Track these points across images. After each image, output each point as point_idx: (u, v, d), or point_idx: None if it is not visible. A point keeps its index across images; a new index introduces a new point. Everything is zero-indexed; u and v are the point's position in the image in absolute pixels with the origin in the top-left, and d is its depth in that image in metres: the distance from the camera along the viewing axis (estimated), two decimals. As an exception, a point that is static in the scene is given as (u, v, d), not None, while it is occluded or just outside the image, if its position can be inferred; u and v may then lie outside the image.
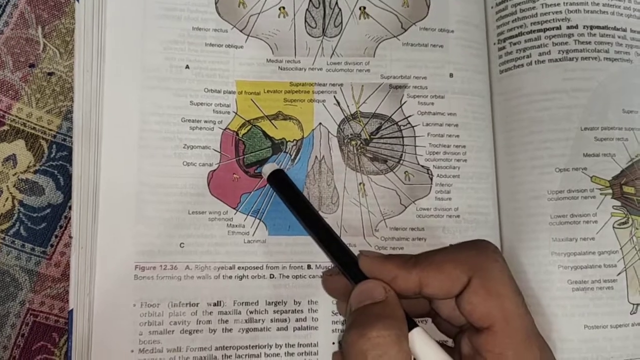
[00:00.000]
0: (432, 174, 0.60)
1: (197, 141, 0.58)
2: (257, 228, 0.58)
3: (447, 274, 0.47)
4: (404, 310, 0.47)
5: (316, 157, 0.60)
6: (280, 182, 0.56)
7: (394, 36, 0.62)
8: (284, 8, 0.61)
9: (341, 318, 0.58)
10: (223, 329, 0.56)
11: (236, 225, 0.58)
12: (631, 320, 0.58)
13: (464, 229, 0.60)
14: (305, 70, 0.61)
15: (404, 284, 0.48)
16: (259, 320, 0.57)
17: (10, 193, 0.58)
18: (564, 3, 0.62)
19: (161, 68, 0.59)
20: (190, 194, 0.58)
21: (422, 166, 0.60)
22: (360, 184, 0.59)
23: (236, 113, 0.59)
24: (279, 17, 0.61)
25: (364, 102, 0.61)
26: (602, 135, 0.60)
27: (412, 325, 0.47)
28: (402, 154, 0.60)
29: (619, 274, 0.58)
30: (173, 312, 0.56)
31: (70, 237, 0.56)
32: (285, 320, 0.57)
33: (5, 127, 0.59)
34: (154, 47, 0.59)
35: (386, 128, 0.61)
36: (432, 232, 0.59)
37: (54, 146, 0.59)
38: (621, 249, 0.59)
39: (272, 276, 0.58)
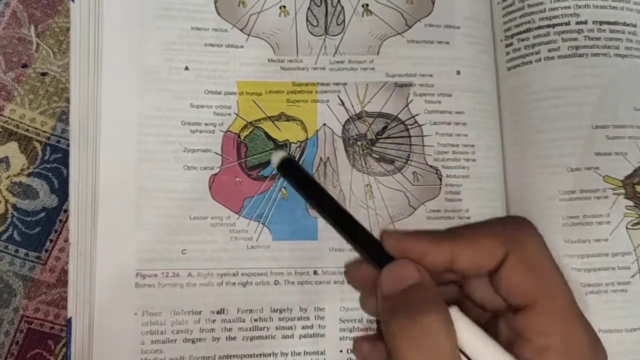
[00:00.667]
0: (441, 175, 0.60)
1: (197, 144, 0.57)
2: (260, 233, 0.57)
3: (482, 246, 0.45)
4: None
5: (321, 158, 0.59)
6: (292, 170, 0.55)
7: (399, 33, 0.61)
8: (284, 7, 0.60)
9: (349, 325, 0.57)
10: (227, 337, 0.56)
11: (239, 231, 0.57)
12: (646, 323, 0.58)
13: (474, 231, 0.59)
14: (307, 69, 0.60)
15: (435, 259, 0.46)
16: (264, 327, 0.56)
17: (4, 197, 0.58)
18: (572, -2, 0.61)
19: (160, 69, 0.58)
20: (192, 198, 0.57)
21: (431, 166, 0.59)
22: (367, 185, 0.59)
23: (237, 115, 0.58)
24: (279, 15, 0.60)
25: (369, 102, 0.60)
26: (614, 133, 0.59)
27: None
28: (409, 154, 0.59)
29: (633, 276, 0.58)
30: (175, 321, 0.55)
31: (66, 241, 0.55)
32: (291, 327, 0.56)
33: (-2, 130, 0.58)
34: (152, 48, 0.58)
35: (392, 127, 0.60)
36: (443, 235, 0.58)
37: (48, 148, 0.59)
38: (635, 250, 0.58)
39: (276, 282, 0.57)
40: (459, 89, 0.61)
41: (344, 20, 0.61)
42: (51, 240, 0.58)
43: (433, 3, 0.62)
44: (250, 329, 0.56)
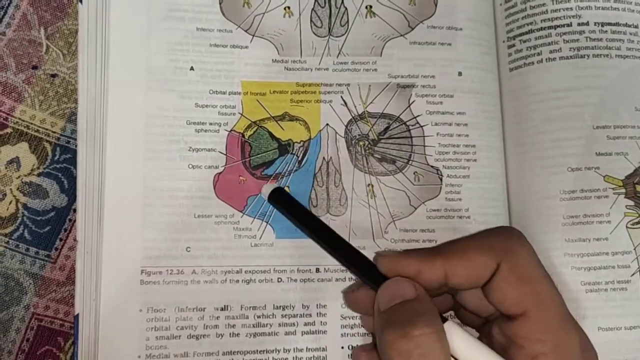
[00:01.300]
0: (441, 175, 0.60)
1: (202, 144, 0.58)
2: (264, 231, 0.57)
3: (474, 262, 0.47)
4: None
5: (324, 158, 0.59)
6: (283, 200, 0.56)
7: (401, 35, 0.61)
8: (289, 8, 0.61)
9: (351, 322, 0.57)
10: (230, 333, 0.56)
11: (243, 229, 0.57)
12: (645, 322, 0.58)
13: (475, 230, 0.59)
14: (311, 70, 0.60)
15: (429, 277, 0.47)
16: (267, 324, 0.56)
17: (14, 196, 0.58)
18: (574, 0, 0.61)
19: (166, 70, 0.58)
20: (196, 197, 0.57)
21: (432, 166, 0.60)
22: (368, 185, 0.59)
23: (242, 114, 0.59)
24: (284, 16, 0.61)
25: (371, 102, 0.60)
26: (615, 133, 0.59)
27: (442, 320, 0.46)
28: (411, 154, 0.60)
29: (633, 274, 0.58)
30: (180, 317, 0.55)
31: (75, 240, 0.56)
32: (294, 324, 0.57)
33: (9, 130, 0.59)
34: (158, 49, 0.58)
35: (394, 128, 0.60)
36: (443, 234, 0.58)
37: (58, 149, 0.59)
38: (635, 249, 0.58)
39: (279, 280, 0.57)
40: (460, 90, 0.61)
41: (347, 22, 0.61)
42: (61, 239, 0.58)
43: (436, 5, 0.62)
44: (253, 326, 0.56)
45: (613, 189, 0.58)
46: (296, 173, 0.58)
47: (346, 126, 0.60)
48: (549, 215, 0.59)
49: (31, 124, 0.59)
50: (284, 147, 0.59)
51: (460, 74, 0.61)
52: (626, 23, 0.61)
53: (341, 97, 0.60)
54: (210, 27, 0.59)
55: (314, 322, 0.57)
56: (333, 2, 0.61)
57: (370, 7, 0.62)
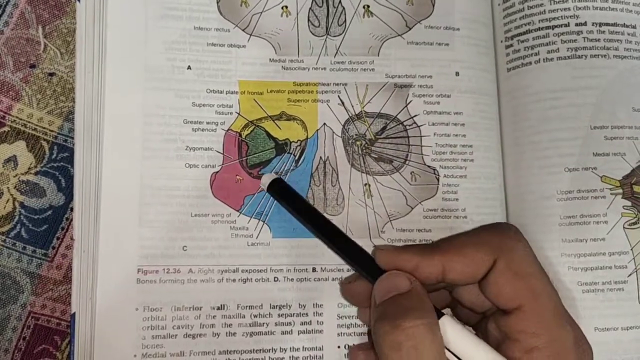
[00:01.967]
0: (438, 174, 0.60)
1: (199, 143, 0.58)
2: (260, 230, 0.57)
3: (471, 257, 0.47)
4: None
5: (321, 157, 0.59)
6: (282, 191, 0.56)
7: (399, 35, 0.62)
8: (286, 7, 0.61)
9: (347, 321, 0.57)
10: (227, 332, 0.56)
11: (239, 228, 0.57)
12: (642, 322, 0.58)
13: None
14: (308, 69, 0.60)
15: (426, 272, 0.48)
16: (263, 324, 0.56)
17: (11, 195, 0.58)
18: (572, 0, 0.61)
19: (163, 69, 0.58)
20: (193, 196, 0.57)
21: (429, 166, 0.60)
22: (365, 184, 0.59)
23: (239, 114, 0.59)
24: (281, 16, 0.61)
25: (368, 102, 0.60)
26: (612, 134, 0.59)
27: (438, 314, 0.46)
28: (407, 154, 0.60)
29: (630, 275, 0.58)
30: (176, 316, 0.56)
31: (72, 239, 0.56)
32: (290, 323, 0.57)
33: (6, 128, 0.59)
34: (155, 48, 0.58)
35: (391, 128, 0.60)
36: (440, 234, 0.58)
37: (55, 147, 0.59)
38: (632, 249, 0.58)
39: (276, 279, 0.57)
40: (457, 90, 0.61)
41: (345, 21, 0.61)
42: (58, 238, 0.58)
43: (433, 5, 0.62)
44: (249, 325, 0.56)
45: (610, 189, 0.58)
46: (293, 172, 0.58)
47: (343, 126, 0.60)
48: (546, 215, 0.59)
49: (28, 122, 0.59)
50: (281, 147, 0.59)
51: (457, 74, 0.61)
52: (624, 23, 0.61)
53: (338, 96, 0.60)
54: (207, 26, 0.59)
55: (311, 321, 0.57)
56: (330, 2, 0.61)
57: (368, 6, 0.62)
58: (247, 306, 0.56)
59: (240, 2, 0.60)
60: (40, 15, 0.60)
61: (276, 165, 0.59)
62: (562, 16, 0.61)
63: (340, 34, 0.61)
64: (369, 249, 0.55)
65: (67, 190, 0.59)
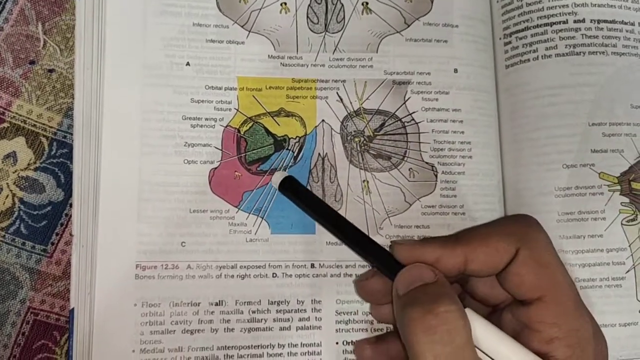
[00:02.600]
0: (436, 171, 0.60)
1: (198, 139, 0.58)
2: (259, 226, 0.57)
3: (494, 247, 0.47)
4: None
5: (319, 154, 0.59)
6: (294, 189, 0.56)
7: (397, 32, 0.62)
8: (285, 4, 0.61)
9: (345, 317, 0.57)
10: (225, 328, 0.56)
11: (238, 224, 0.57)
12: (640, 319, 0.58)
13: (469, 226, 0.59)
14: (307, 66, 0.60)
15: (448, 264, 0.48)
16: (262, 319, 0.56)
17: (11, 191, 0.58)
18: (570, -4, 0.62)
19: (162, 65, 0.58)
20: (192, 192, 0.57)
21: (427, 163, 0.60)
22: (364, 181, 0.59)
23: (238, 110, 0.59)
24: (280, 12, 0.61)
25: (367, 99, 0.60)
26: (610, 131, 0.59)
27: None
28: (406, 151, 0.60)
29: (628, 271, 0.58)
30: (174, 312, 0.56)
31: (71, 235, 0.56)
32: (288, 319, 0.57)
33: (5, 125, 0.59)
34: (154, 44, 0.58)
35: (390, 124, 0.60)
36: (438, 230, 0.59)
37: (55, 143, 0.59)
38: (630, 246, 0.58)
39: (274, 275, 0.57)
40: (456, 87, 0.61)
41: (343, 18, 0.61)
42: (57, 234, 0.58)
43: (432, 2, 0.62)
44: (248, 321, 0.56)
45: (608, 185, 0.58)
46: (291, 169, 0.59)
47: (342, 122, 0.60)
48: (544, 211, 0.59)
49: (28, 118, 0.59)
50: (279, 143, 0.59)
51: (456, 70, 0.61)
52: (622, 20, 0.61)
53: (337, 93, 0.60)
54: (206, 22, 0.59)
55: (309, 317, 0.57)
56: (329, -1, 0.62)
57: (367, 3, 0.62)
58: (245, 302, 0.56)
59: (239, -2, 0.61)
60: (39, 11, 0.60)
61: (275, 162, 0.59)
62: (560, 13, 0.61)
63: (339, 31, 0.61)
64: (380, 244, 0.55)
65: (67, 186, 0.59)
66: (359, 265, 0.58)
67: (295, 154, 0.59)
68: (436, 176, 0.60)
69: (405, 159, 0.60)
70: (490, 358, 0.45)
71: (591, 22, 0.61)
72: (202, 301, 0.56)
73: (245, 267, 0.57)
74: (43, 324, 0.58)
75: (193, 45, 0.59)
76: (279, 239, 0.58)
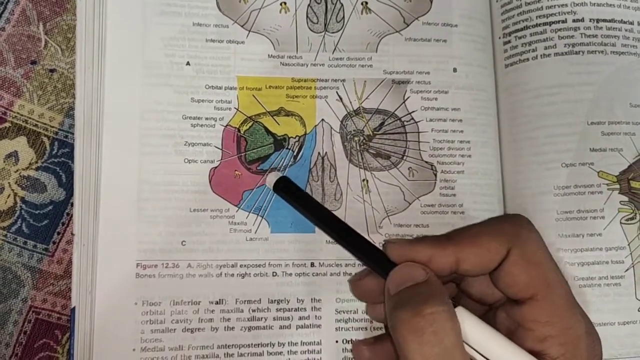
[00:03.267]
0: (436, 170, 0.60)
1: (198, 138, 0.58)
2: (259, 225, 0.58)
3: (485, 247, 0.47)
4: None
5: (319, 153, 0.59)
6: (288, 189, 0.56)
7: (397, 31, 0.62)
8: (285, 3, 0.61)
9: (345, 316, 0.57)
10: (225, 327, 0.56)
11: (238, 223, 0.57)
12: (639, 317, 0.58)
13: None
14: (307, 65, 0.60)
15: (440, 263, 0.48)
16: (262, 318, 0.57)
17: (12, 190, 0.58)
18: (569, -4, 0.62)
19: (162, 65, 0.58)
20: (192, 191, 0.57)
21: (426, 162, 0.60)
22: (363, 180, 0.59)
23: (237, 109, 0.59)
24: (280, 12, 0.61)
25: (366, 98, 0.60)
26: (609, 129, 0.59)
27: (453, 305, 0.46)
28: (405, 150, 0.60)
29: (627, 270, 0.58)
30: (175, 311, 0.56)
31: (73, 234, 0.56)
32: (288, 318, 0.57)
33: (7, 124, 0.59)
34: (154, 44, 0.59)
35: (389, 124, 0.60)
36: (437, 229, 0.59)
37: (56, 143, 0.59)
38: (629, 244, 0.58)
39: (274, 274, 0.57)
40: (455, 87, 0.61)
41: (343, 18, 0.61)
42: (58, 233, 0.59)
43: (431, 1, 0.62)
44: (248, 320, 0.56)
45: (607, 184, 0.58)
46: (291, 168, 0.59)
47: (341, 121, 0.60)
48: (543, 210, 0.59)
49: (29, 118, 0.59)
50: (279, 142, 0.59)
51: (455, 70, 0.61)
52: (621, 20, 0.61)
53: (336, 92, 0.60)
54: (206, 22, 0.60)
55: (309, 316, 0.57)
56: (329, -2, 0.62)
57: (366, 3, 0.62)
58: (245, 301, 0.57)
59: (239, -2, 0.61)
60: (41, 12, 0.61)
61: (274, 161, 0.59)
62: (559, 12, 0.61)
63: (339, 31, 0.61)
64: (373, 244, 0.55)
65: (68, 186, 0.59)
66: (358, 264, 0.58)
67: (295, 153, 0.59)
68: (435, 175, 0.60)
69: (405, 158, 0.60)
70: (483, 357, 0.46)
71: (590, 21, 0.61)
72: (203, 300, 0.56)
73: (245, 266, 0.57)
74: (45, 323, 0.58)
75: (193, 45, 0.59)
76: (278, 238, 0.58)
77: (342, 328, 0.57)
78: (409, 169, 0.60)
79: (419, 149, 0.60)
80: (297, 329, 0.57)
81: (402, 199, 0.59)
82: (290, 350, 0.57)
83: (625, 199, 0.59)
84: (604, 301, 0.58)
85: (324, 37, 0.61)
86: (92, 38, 0.58)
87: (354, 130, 0.60)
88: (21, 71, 0.60)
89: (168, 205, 0.57)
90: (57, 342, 0.58)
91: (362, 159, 0.59)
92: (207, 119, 0.58)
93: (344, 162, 0.59)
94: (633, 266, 0.58)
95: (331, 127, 0.60)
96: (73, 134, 0.59)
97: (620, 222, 0.58)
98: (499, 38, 0.63)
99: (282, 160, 0.59)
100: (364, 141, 0.60)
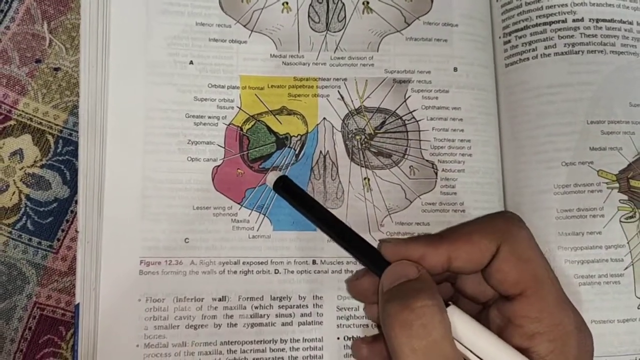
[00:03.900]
0: (437, 169, 0.60)
1: (201, 137, 0.58)
2: (261, 223, 0.58)
3: (476, 245, 0.48)
4: None
5: (320, 152, 0.60)
6: (287, 188, 0.56)
7: (398, 31, 0.62)
8: (287, 3, 0.61)
9: (347, 313, 0.58)
10: (228, 324, 0.56)
11: (241, 221, 0.58)
12: (638, 315, 0.58)
13: (469, 223, 0.59)
14: (309, 65, 0.61)
15: (432, 261, 0.48)
16: (264, 315, 0.57)
17: (17, 187, 0.59)
18: (569, -4, 0.62)
19: (165, 64, 0.59)
20: (195, 189, 0.58)
21: (427, 160, 0.60)
22: (365, 178, 0.59)
23: (240, 108, 0.59)
24: (282, 12, 0.61)
25: (368, 97, 0.61)
26: (609, 129, 0.59)
27: (445, 304, 0.46)
28: (406, 149, 0.60)
29: (626, 268, 0.58)
30: (178, 307, 0.56)
31: (77, 231, 0.56)
32: (290, 315, 0.57)
33: (12, 122, 0.59)
34: (157, 43, 0.59)
35: (390, 122, 0.61)
36: (438, 227, 0.59)
37: (61, 141, 0.60)
38: (628, 243, 0.58)
39: (277, 271, 0.58)
40: (456, 86, 0.61)
41: (344, 17, 0.62)
42: (63, 230, 0.59)
43: (432, 1, 0.63)
44: (250, 316, 0.57)
45: (607, 183, 0.59)
46: (293, 166, 0.59)
47: (343, 120, 0.60)
48: (543, 209, 0.59)
49: (34, 116, 0.59)
50: (281, 141, 0.59)
51: (455, 69, 0.62)
52: (621, 19, 0.61)
53: (338, 91, 0.61)
54: (209, 21, 0.60)
55: (311, 313, 0.57)
56: (331, -2, 0.62)
57: (367, 3, 0.62)
58: (248, 298, 0.57)
59: (241, -2, 0.61)
60: (45, 11, 0.61)
61: (277, 159, 0.59)
62: (559, 12, 0.61)
63: (340, 30, 0.62)
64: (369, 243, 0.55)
65: (72, 183, 0.59)
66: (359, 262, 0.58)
67: (297, 152, 0.59)
68: (436, 174, 0.60)
69: (406, 156, 0.60)
70: (474, 354, 0.46)
71: (590, 21, 0.61)
72: (206, 297, 0.56)
73: (248, 263, 0.57)
74: (49, 319, 0.58)
75: (196, 44, 0.59)
76: (280, 236, 0.58)
77: (343, 325, 0.58)
78: (410, 167, 0.60)
79: (420, 148, 0.60)
80: (299, 325, 0.57)
81: (403, 197, 0.60)
82: (293, 347, 0.57)
83: (625, 197, 0.59)
84: (603, 299, 0.58)
85: (325, 36, 0.61)
86: (96, 37, 0.58)
87: (355, 129, 0.60)
88: (26, 70, 0.60)
89: (171, 203, 0.57)
90: (61, 338, 0.58)
91: (364, 157, 0.60)
92: (210, 117, 0.59)
93: (345, 160, 0.59)
94: (632, 264, 0.58)
95: (333, 126, 0.60)
96: (77, 132, 0.59)
97: (620, 221, 0.58)
98: (499, 37, 0.63)
99: (284, 158, 0.59)
100: (365, 140, 0.60)
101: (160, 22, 0.59)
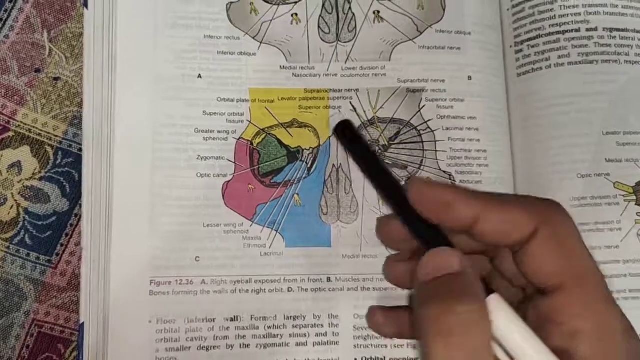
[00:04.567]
0: (454, 180, 0.60)
1: (210, 152, 0.58)
2: (274, 240, 0.57)
3: (512, 215, 0.42)
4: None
5: (333, 165, 0.59)
6: (347, 135, 0.52)
7: (410, 39, 0.61)
8: (296, 14, 0.61)
9: (364, 333, 0.57)
10: (241, 344, 0.56)
11: (252, 238, 0.57)
12: (658, 331, 0.58)
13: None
14: (319, 76, 0.60)
15: (459, 213, 0.42)
16: (278, 335, 0.56)
17: (15, 201, 0.58)
18: (582, 5, 0.62)
19: (173, 78, 0.58)
20: (205, 206, 0.57)
21: (444, 172, 0.60)
22: (380, 192, 0.58)
23: (250, 122, 0.59)
24: (291, 23, 0.61)
25: (381, 107, 0.60)
26: (624, 140, 0.59)
27: (487, 291, 0.42)
28: (422, 160, 0.60)
29: (646, 283, 0.58)
30: (189, 328, 0.55)
31: (77, 245, 0.55)
32: (305, 335, 0.57)
33: (11, 134, 0.58)
34: (165, 57, 0.58)
35: (405, 133, 0.60)
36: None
37: (60, 152, 0.59)
38: (647, 257, 0.58)
39: (290, 289, 0.57)
40: (471, 95, 0.61)
41: (355, 27, 0.61)
42: (62, 244, 0.58)
43: (444, 9, 0.62)
44: (263, 337, 0.56)
45: (624, 195, 0.58)
46: (306, 180, 0.58)
47: (356, 132, 0.59)
48: (559, 222, 0.59)
49: (33, 127, 0.59)
50: (293, 154, 0.59)
51: (470, 78, 0.61)
52: (635, 29, 0.61)
53: (350, 102, 0.60)
54: (217, 34, 0.60)
55: (326, 332, 0.57)
56: (340, 8, 0.61)
57: (378, 12, 0.61)
58: (261, 317, 0.56)
59: (250, 9, 0.60)
60: (45, 19, 0.60)
61: (288, 173, 0.59)
62: (572, 21, 0.61)
63: (351, 40, 0.61)
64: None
65: (72, 196, 0.58)
66: (377, 278, 0.57)
67: (309, 165, 0.59)
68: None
69: (422, 168, 0.60)
70: (508, 355, 0.44)
71: (604, 30, 0.61)
72: (217, 317, 0.56)
73: (260, 281, 0.57)
74: (47, 337, 0.57)
75: (204, 58, 0.59)
76: (294, 253, 0.57)
77: (360, 345, 0.57)
78: (426, 179, 0.59)
79: (436, 159, 0.60)
80: (314, 345, 0.57)
81: (420, 210, 0.59)
82: (308, 368, 0.56)
83: (643, 210, 0.59)
84: (622, 315, 0.57)
85: (336, 47, 0.61)
86: (102, 50, 0.58)
87: (369, 141, 0.59)
88: (25, 79, 0.59)
89: (181, 220, 0.57)
90: (60, 356, 0.57)
91: (378, 170, 0.59)
92: (219, 132, 0.58)
93: (359, 173, 0.57)
94: (652, 279, 0.58)
95: (346, 138, 0.59)
96: (77, 143, 0.58)
97: (637, 234, 0.58)
98: (511, 47, 0.63)
99: (296, 172, 0.58)
100: (379, 151, 0.59)
101: (168, 35, 0.59)
